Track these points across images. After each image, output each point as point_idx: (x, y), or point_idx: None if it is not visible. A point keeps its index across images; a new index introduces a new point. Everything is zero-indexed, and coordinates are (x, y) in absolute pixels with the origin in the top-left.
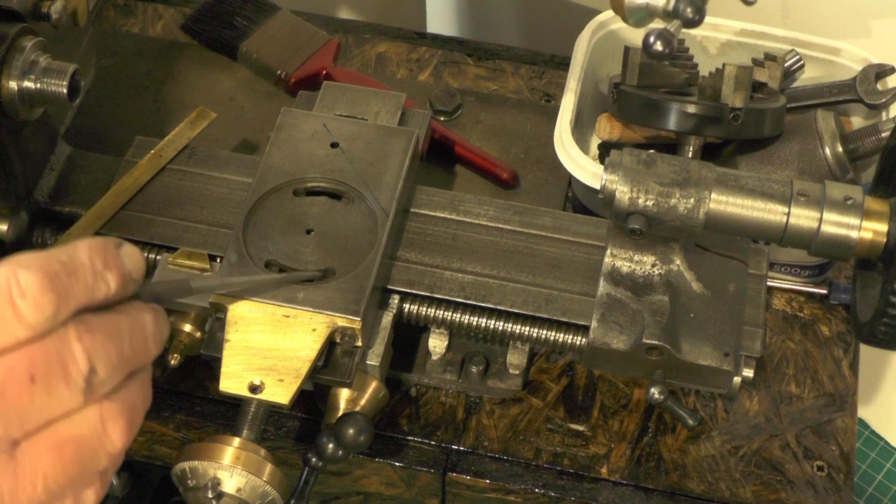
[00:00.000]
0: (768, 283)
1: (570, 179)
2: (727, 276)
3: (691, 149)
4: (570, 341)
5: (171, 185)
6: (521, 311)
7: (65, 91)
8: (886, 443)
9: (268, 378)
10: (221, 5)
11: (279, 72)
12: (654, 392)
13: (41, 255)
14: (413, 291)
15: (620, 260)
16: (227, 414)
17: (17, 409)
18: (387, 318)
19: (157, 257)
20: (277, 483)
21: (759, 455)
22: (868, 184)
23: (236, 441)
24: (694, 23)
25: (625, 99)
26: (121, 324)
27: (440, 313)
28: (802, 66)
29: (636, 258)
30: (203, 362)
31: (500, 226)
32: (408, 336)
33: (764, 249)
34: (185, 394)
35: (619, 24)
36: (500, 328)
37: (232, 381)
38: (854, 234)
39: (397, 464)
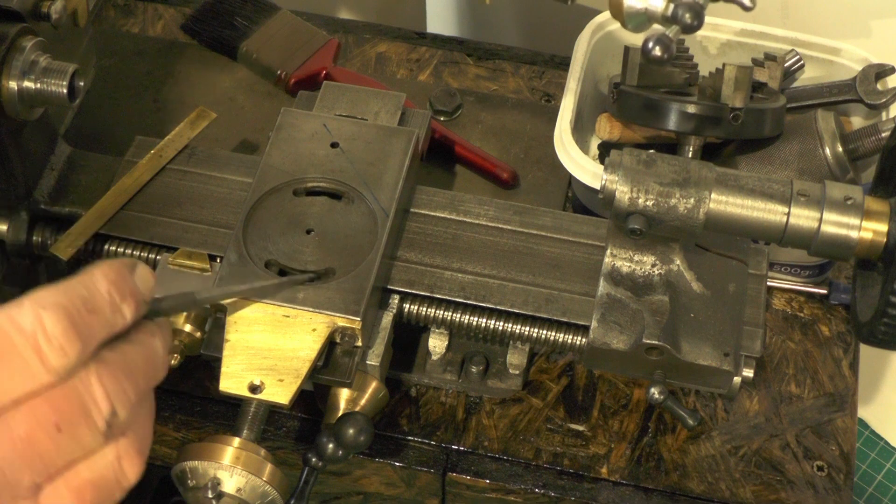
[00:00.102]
0: (768, 283)
1: (570, 179)
2: (727, 276)
3: (691, 149)
4: (570, 341)
5: (171, 185)
6: (521, 311)
7: (65, 91)
8: (886, 443)
9: (268, 378)
10: (221, 5)
11: (279, 72)
12: (654, 392)
13: (62, 291)
14: (413, 291)
15: (620, 260)
16: (227, 414)
17: (42, 457)
18: (387, 318)
19: (157, 257)
20: (277, 483)
21: (759, 455)
22: (868, 184)
23: (236, 441)
24: (692, 28)
25: (625, 99)
26: (136, 356)
27: (440, 313)
28: (802, 66)
29: (636, 258)
30: (203, 362)
31: (500, 226)
32: (408, 336)
33: (764, 249)
34: (185, 394)
35: (618, 25)
36: (500, 328)
37: (232, 381)
38: (854, 234)
39: (397, 464)
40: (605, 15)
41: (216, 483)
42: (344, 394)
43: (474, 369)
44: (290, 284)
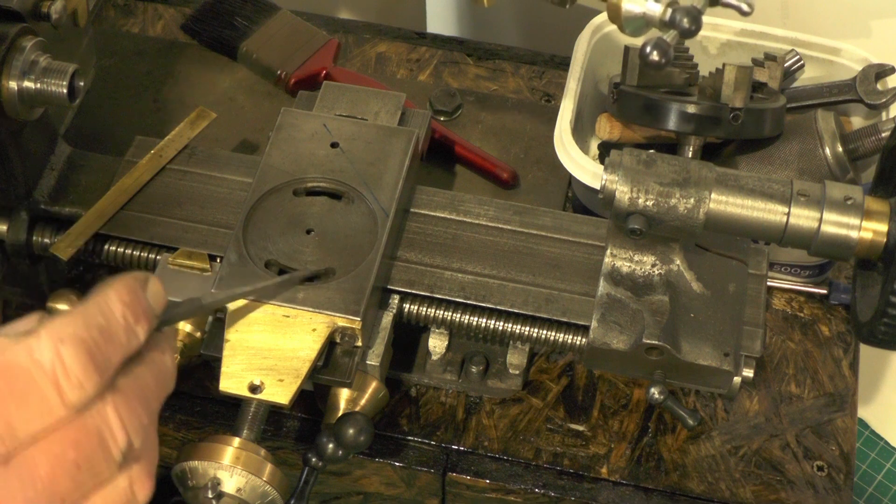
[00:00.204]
0: (768, 283)
1: (570, 179)
2: (727, 276)
3: (691, 149)
4: (570, 341)
5: (171, 185)
6: (521, 311)
7: (65, 91)
8: (886, 443)
9: (268, 378)
10: (221, 5)
11: (279, 72)
12: (654, 392)
13: (79, 321)
14: (413, 291)
15: (620, 260)
16: (227, 414)
17: (61, 495)
18: (387, 318)
19: (157, 257)
20: (277, 483)
21: (759, 455)
22: (868, 184)
23: (236, 441)
24: (690, 33)
25: (625, 99)
26: (148, 379)
27: (440, 313)
28: (802, 66)
29: (636, 258)
30: (203, 362)
31: (500, 226)
32: (408, 336)
33: (764, 249)
34: (185, 394)
35: None
36: (500, 328)
37: (232, 381)
38: (854, 234)
39: (397, 464)
40: (605, 15)
41: (216, 483)
42: (344, 394)
43: (474, 369)
44: (292, 283)
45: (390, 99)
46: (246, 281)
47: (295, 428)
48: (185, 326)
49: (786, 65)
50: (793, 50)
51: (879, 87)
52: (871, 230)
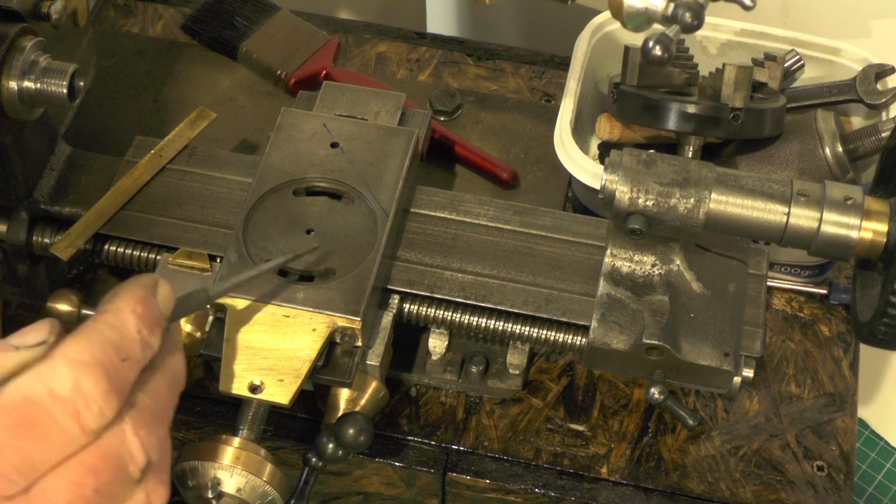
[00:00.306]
0: (768, 283)
1: (570, 179)
2: (727, 276)
3: (691, 149)
4: (570, 341)
5: (171, 185)
6: (521, 311)
7: (65, 91)
8: (886, 443)
9: (268, 378)
10: (221, 5)
11: (279, 72)
12: (654, 392)
13: (95, 343)
14: (413, 291)
15: (620, 260)
16: (227, 414)
17: None
18: (387, 318)
19: (157, 257)
20: (277, 483)
21: (759, 455)
22: (868, 184)
23: (236, 441)
24: (693, 28)
25: (625, 99)
26: (163, 388)
27: (440, 313)
28: (802, 66)
29: (636, 258)
30: (203, 362)
31: (500, 226)
32: (408, 336)
33: (764, 249)
34: (185, 394)
35: (618, 25)
36: (500, 328)
37: (232, 381)
38: (854, 234)
39: (397, 464)
40: (605, 15)
41: (216, 483)
42: (344, 394)
43: (474, 369)
44: (293, 261)
45: (390, 99)
46: (248, 282)
47: (295, 428)
48: (185, 326)
49: (786, 65)
50: (793, 50)
51: (879, 87)
52: (871, 230)
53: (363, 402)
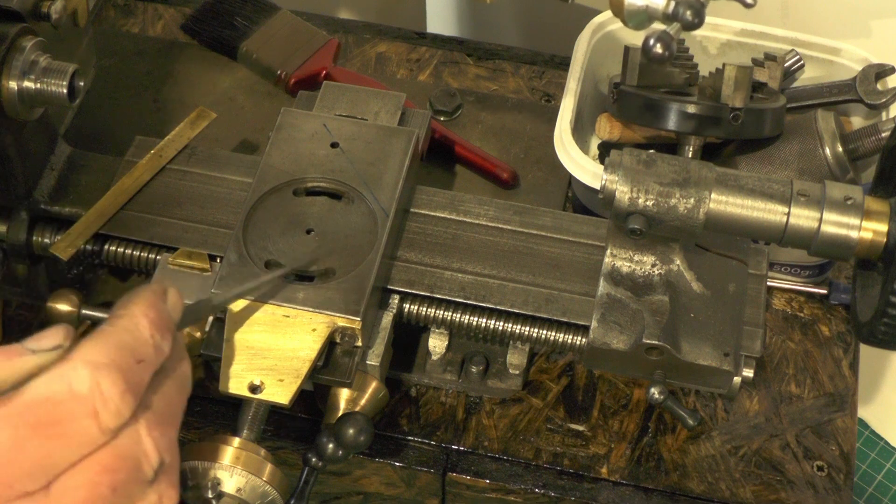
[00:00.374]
0: (768, 283)
1: (570, 179)
2: (727, 276)
3: (691, 149)
4: (570, 341)
5: (171, 185)
6: (521, 311)
7: (65, 91)
8: (886, 443)
9: (268, 378)
10: (221, 5)
11: (279, 72)
12: (654, 392)
13: (113, 346)
14: (413, 291)
15: (620, 260)
16: (227, 414)
17: None
18: (387, 318)
19: (157, 257)
20: (277, 483)
21: (759, 455)
22: (868, 184)
23: (236, 441)
24: (693, 26)
25: (625, 99)
26: (173, 392)
27: (440, 313)
28: (802, 66)
29: (636, 258)
30: (203, 362)
31: (500, 226)
32: (408, 336)
33: (764, 249)
34: None
35: (618, 25)
36: (500, 328)
37: (232, 381)
38: (854, 234)
39: (397, 464)
40: (605, 15)
41: (216, 483)
42: (344, 394)
43: (474, 369)
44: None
45: (390, 99)
46: (246, 281)
47: (295, 428)
48: None
49: (786, 65)
50: (793, 50)
51: (879, 87)
52: (871, 230)
53: (363, 402)
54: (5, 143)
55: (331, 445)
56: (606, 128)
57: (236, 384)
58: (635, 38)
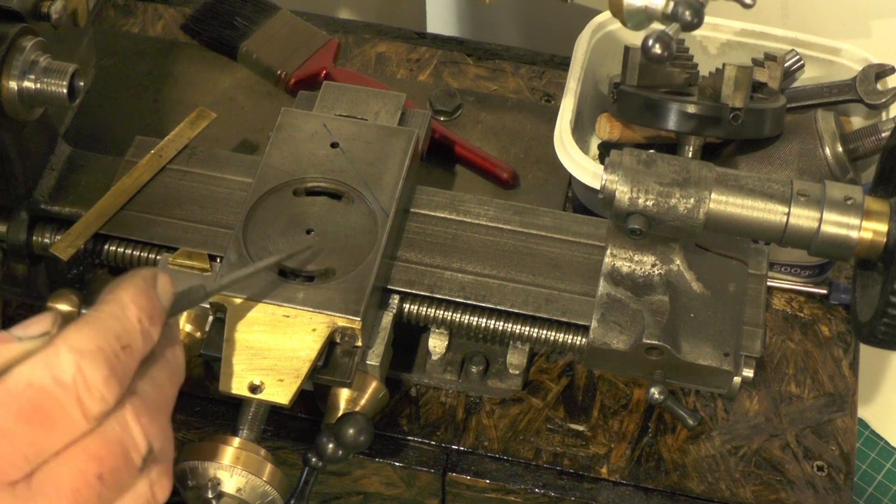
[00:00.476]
0: (768, 283)
1: (570, 179)
2: (727, 276)
3: (691, 149)
4: (570, 341)
5: (171, 185)
6: (521, 311)
7: (65, 91)
8: (886, 443)
9: (268, 378)
10: (221, 5)
11: (279, 72)
12: (654, 392)
13: (97, 332)
14: (413, 291)
15: (620, 260)
16: (227, 414)
17: None
18: (387, 318)
19: (157, 257)
20: (277, 483)
21: (759, 455)
22: (868, 184)
23: (236, 441)
24: (693, 26)
25: (625, 99)
26: (163, 378)
27: (440, 313)
28: (802, 66)
29: (636, 258)
30: (203, 362)
31: (500, 226)
32: (408, 336)
33: (764, 249)
34: (185, 394)
35: (618, 25)
36: (500, 328)
37: (232, 381)
38: (854, 234)
39: (397, 464)
40: (605, 15)
41: (216, 483)
42: (344, 394)
43: (474, 369)
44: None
45: (390, 99)
46: (246, 281)
47: (295, 428)
48: (185, 326)
49: (786, 65)
50: (793, 50)
51: (879, 87)
52: (871, 230)
53: (363, 402)
54: (5, 143)
55: (331, 445)
56: (606, 128)
57: (236, 384)
58: (635, 38)
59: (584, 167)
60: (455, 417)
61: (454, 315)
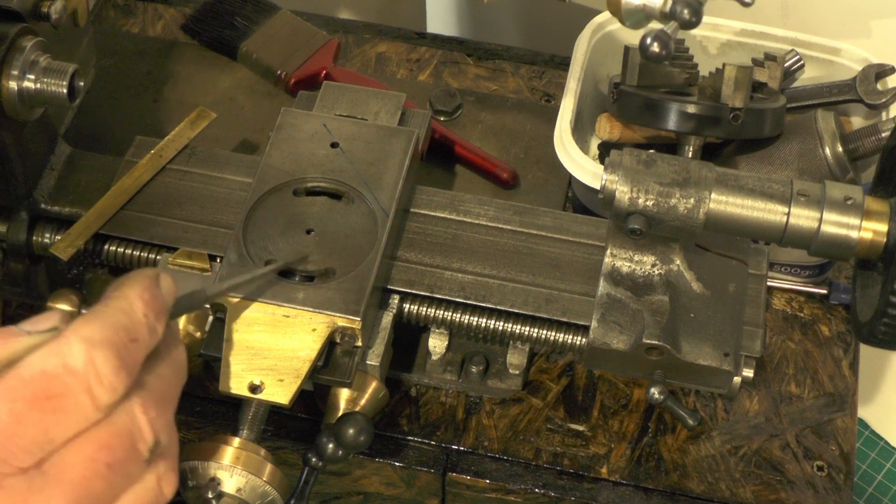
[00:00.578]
0: (768, 283)
1: (570, 179)
2: (727, 276)
3: (691, 149)
4: (570, 341)
5: (171, 185)
6: (521, 311)
7: (65, 91)
8: (886, 443)
9: (268, 378)
10: (221, 5)
11: (279, 72)
12: (654, 392)
13: (107, 323)
14: (413, 291)
15: (620, 260)
16: (227, 414)
17: (96, 497)
18: (387, 318)
19: (157, 257)
20: (277, 483)
21: (759, 455)
22: (868, 184)
23: (236, 441)
24: (691, 24)
25: (625, 99)
26: (168, 374)
27: (440, 313)
28: (802, 66)
29: (636, 258)
30: (203, 362)
31: (500, 226)
32: (408, 336)
33: (764, 249)
34: (185, 394)
35: (618, 25)
36: (500, 328)
37: (232, 381)
38: (854, 234)
39: (397, 464)
40: (605, 15)
41: (216, 483)
42: (344, 394)
43: (474, 369)
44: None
45: (390, 99)
46: (253, 283)
47: (295, 428)
48: (185, 326)
49: (786, 65)
50: (793, 50)
51: (879, 87)
52: (871, 230)
53: (363, 402)
54: (5, 143)
55: (331, 445)
56: (606, 128)
57: (236, 384)
58: (635, 38)
59: (584, 167)
60: (455, 417)
61: (454, 315)
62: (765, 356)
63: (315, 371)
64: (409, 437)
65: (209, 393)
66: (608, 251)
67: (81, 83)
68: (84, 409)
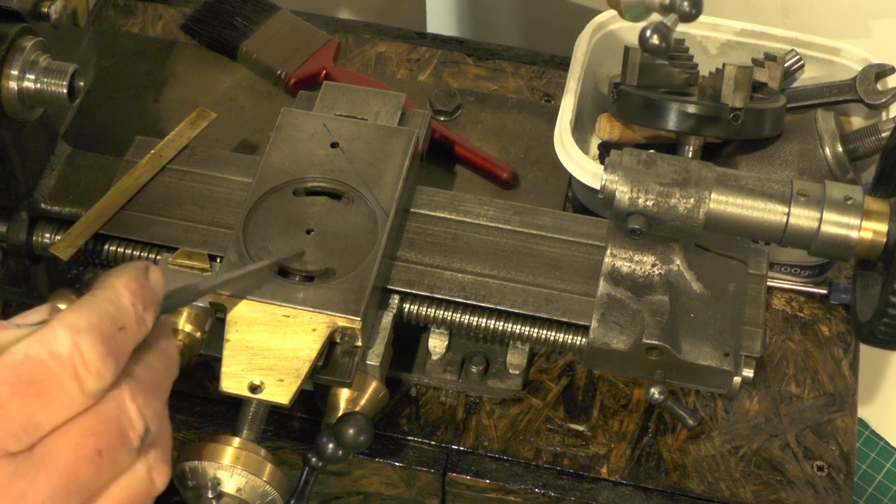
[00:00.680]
0: (768, 283)
1: (570, 179)
2: (727, 276)
3: (691, 149)
4: (570, 341)
5: (171, 185)
6: (521, 311)
7: (65, 91)
8: (886, 443)
9: (268, 378)
10: (221, 5)
11: (279, 72)
12: (654, 392)
13: (93, 312)
14: (413, 291)
15: (620, 260)
16: (227, 414)
17: (85, 485)
18: (387, 318)
19: (157, 257)
20: (277, 483)
21: (759, 455)
22: (868, 184)
23: (236, 441)
24: (691, 16)
25: (625, 99)
26: (158, 364)
27: (440, 313)
28: (802, 66)
29: (636, 258)
30: (203, 362)
31: (500, 226)
32: (408, 336)
33: (764, 249)
34: (185, 394)
35: (618, 25)
36: (500, 328)
37: (232, 381)
38: (854, 234)
39: (397, 464)
40: (605, 15)
41: (216, 483)
42: (344, 394)
43: (474, 369)
44: (284, 262)
45: (390, 99)
46: (246, 281)
47: (295, 428)
48: (185, 326)
49: (786, 65)
50: (793, 50)
51: (879, 87)
52: (871, 230)
53: (363, 402)
54: (5, 143)
55: (331, 445)
56: (606, 128)
57: (236, 384)
58: (635, 38)
59: (584, 167)
60: (455, 417)
61: (454, 315)
62: (765, 356)
63: (315, 371)
64: (409, 437)
65: (209, 393)
66: (608, 251)
67: (81, 83)
68: (71, 394)
